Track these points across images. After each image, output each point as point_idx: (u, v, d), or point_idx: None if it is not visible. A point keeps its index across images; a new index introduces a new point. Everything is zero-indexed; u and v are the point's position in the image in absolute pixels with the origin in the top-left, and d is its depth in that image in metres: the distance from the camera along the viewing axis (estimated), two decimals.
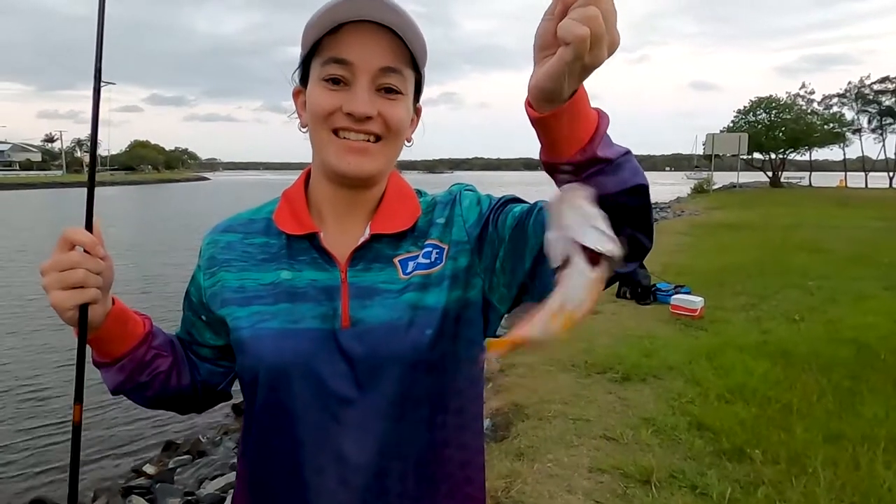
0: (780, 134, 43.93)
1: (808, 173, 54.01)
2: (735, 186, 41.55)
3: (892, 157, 51.14)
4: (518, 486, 2.87)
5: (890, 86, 47.88)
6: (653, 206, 0.71)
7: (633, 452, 3.19)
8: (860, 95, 49.10)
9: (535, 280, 0.76)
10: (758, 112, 45.37)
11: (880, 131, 49.83)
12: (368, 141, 0.80)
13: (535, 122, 0.62)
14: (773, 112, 45.23)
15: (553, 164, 0.63)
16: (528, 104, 0.62)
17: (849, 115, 48.74)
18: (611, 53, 0.56)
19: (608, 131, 0.64)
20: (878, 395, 3.81)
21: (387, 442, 0.80)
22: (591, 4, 0.53)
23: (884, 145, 50.24)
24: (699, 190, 35.58)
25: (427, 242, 0.85)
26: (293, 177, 0.96)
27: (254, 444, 0.86)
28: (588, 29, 0.52)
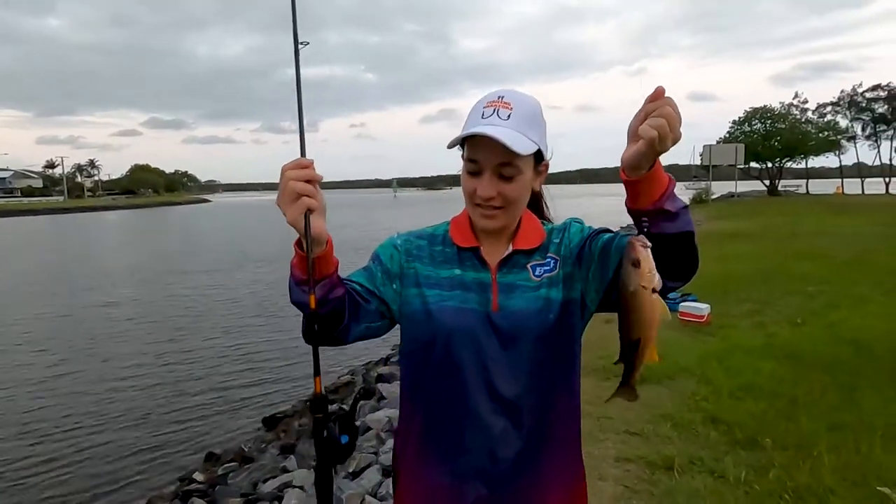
0: (776, 143, 44.49)
1: (805, 181, 54.52)
2: (733, 196, 42.01)
3: (888, 163, 51.66)
4: None
5: (882, 94, 48.52)
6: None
7: (654, 444, 3.52)
8: (853, 103, 49.71)
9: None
10: (753, 122, 45.95)
11: (874, 138, 50.37)
12: (494, 210, 1.17)
13: (625, 184, 0.97)
14: (768, 122, 45.83)
15: (633, 211, 0.99)
16: (622, 170, 0.97)
17: (843, 122, 49.28)
18: (674, 143, 0.91)
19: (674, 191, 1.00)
20: (876, 389, 4.14)
21: (522, 386, 1.16)
22: (660, 116, 0.88)
23: (878, 152, 50.73)
24: (699, 200, 36.03)
25: (548, 255, 1.22)
26: None
27: (429, 386, 1.20)
28: (656, 132, 0.87)
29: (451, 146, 1.16)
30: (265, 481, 4.08)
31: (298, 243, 1.06)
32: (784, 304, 7.14)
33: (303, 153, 1.06)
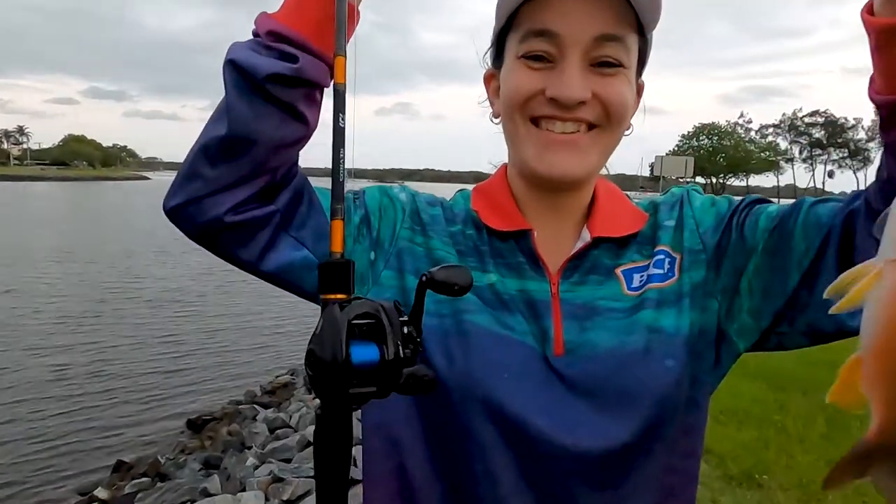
0: (721, 159, 46.15)
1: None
2: None
3: (820, 186, 54.61)
4: None
5: (819, 119, 51.33)
6: None
7: None
8: (793, 127, 52.34)
9: (800, 308, 0.61)
10: (701, 137, 47.52)
11: (810, 161, 53.18)
12: (578, 132, 0.64)
13: (881, 32, 0.48)
14: (715, 138, 47.49)
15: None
16: (867, 11, 0.49)
17: (783, 144, 51.87)
18: None
19: None
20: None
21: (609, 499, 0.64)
22: None
23: (813, 175, 53.67)
24: None
25: (658, 249, 0.69)
26: None
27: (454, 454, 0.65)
28: None
29: (504, 16, 0.64)
30: None
31: None
32: None
33: None
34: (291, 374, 6.48)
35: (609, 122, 0.64)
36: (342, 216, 0.51)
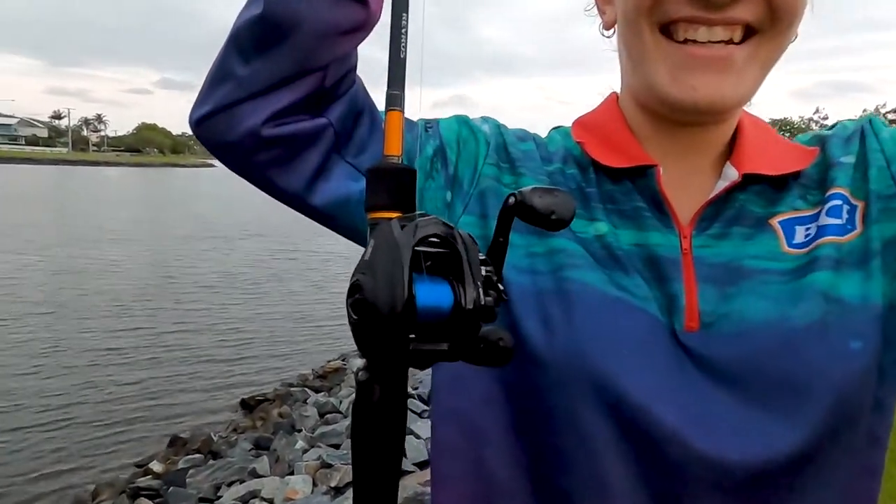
0: None
1: None
2: None
3: None
4: None
5: None
6: None
7: None
8: None
9: None
10: None
11: None
12: (731, 42, 0.46)
13: None
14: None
15: None
16: None
17: None
18: None
19: None
20: None
21: None
22: None
23: None
24: None
25: (831, 194, 0.51)
26: None
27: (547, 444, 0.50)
28: None
29: None
30: (230, 485, 3.41)
31: None
32: None
33: None
34: (343, 360, 6.48)
35: (773, 25, 0.46)
36: (401, 106, 0.36)
